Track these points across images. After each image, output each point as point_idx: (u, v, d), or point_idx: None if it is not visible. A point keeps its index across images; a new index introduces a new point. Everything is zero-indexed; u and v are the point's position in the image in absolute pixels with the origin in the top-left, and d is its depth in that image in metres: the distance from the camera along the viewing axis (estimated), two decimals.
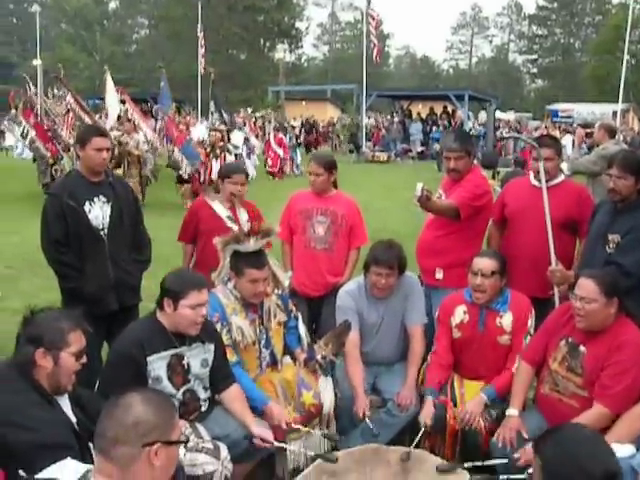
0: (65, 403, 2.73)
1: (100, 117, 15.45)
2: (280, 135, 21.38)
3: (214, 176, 12.96)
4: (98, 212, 4.16)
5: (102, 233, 4.17)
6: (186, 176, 13.36)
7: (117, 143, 13.35)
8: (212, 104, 17.84)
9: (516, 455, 3.19)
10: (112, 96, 14.65)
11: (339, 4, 69.32)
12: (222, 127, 14.83)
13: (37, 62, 36.29)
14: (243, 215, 4.08)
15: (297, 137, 25.56)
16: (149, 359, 3.17)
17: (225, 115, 17.61)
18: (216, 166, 13.17)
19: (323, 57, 71.26)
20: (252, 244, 3.70)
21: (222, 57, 43.39)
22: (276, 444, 3.38)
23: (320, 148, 29.08)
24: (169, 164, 13.89)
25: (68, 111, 13.59)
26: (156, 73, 17.31)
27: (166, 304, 3.20)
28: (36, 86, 15.27)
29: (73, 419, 2.69)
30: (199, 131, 17.11)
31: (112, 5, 61.12)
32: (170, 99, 16.01)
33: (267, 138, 21.77)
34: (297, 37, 58.00)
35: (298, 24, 58.29)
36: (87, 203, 4.13)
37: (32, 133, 13.67)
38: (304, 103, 38.51)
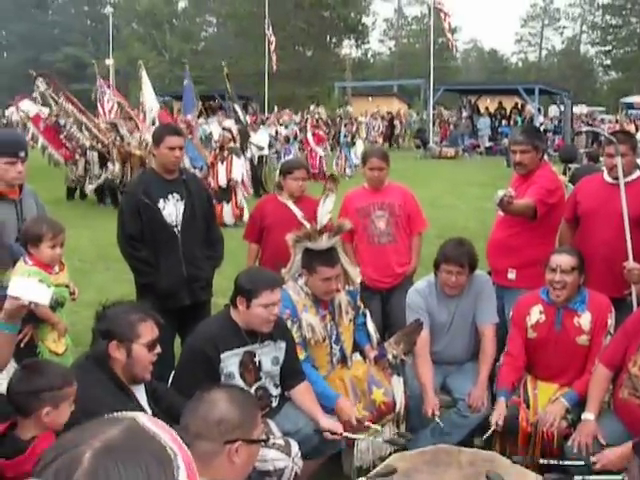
0: (142, 395, 2.81)
1: (97, 117, 14.94)
2: (320, 132, 19.59)
3: (221, 182, 11.85)
4: (172, 209, 4.25)
5: (176, 230, 4.26)
6: None
7: (120, 139, 12.70)
8: (229, 102, 16.02)
9: (593, 459, 3.11)
10: (149, 92, 14.57)
11: None
12: (231, 126, 13.41)
13: (109, 62, 37.40)
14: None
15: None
16: (222, 356, 3.22)
17: (241, 114, 16.05)
18: (222, 170, 12.00)
19: (389, 52, 70.77)
20: (324, 242, 3.70)
21: (288, 54, 43.65)
22: (346, 434, 3.38)
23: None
24: None
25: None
26: (222, 71, 17.10)
27: (239, 302, 3.24)
28: (109, 85, 15.65)
29: (149, 411, 2.76)
30: (260, 136, 15.64)
31: (181, 4, 62.24)
32: (194, 99, 14.80)
33: (305, 137, 19.74)
34: (363, 32, 57.80)
35: (364, 19, 58.13)
36: (161, 200, 4.22)
37: (41, 139, 13.49)
38: (370, 99, 38.37)
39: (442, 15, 28.12)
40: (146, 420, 1.12)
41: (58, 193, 14.17)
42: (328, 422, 3.37)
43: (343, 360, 3.95)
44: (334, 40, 54.29)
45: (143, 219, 4.20)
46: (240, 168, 12.45)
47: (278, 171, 5.47)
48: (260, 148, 15.43)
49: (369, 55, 68.26)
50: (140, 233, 4.21)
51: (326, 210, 3.97)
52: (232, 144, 12.52)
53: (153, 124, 12.44)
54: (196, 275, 4.34)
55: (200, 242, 4.39)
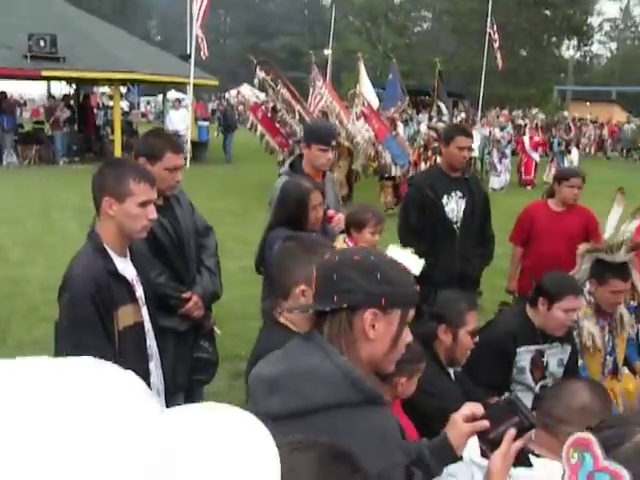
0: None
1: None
2: (537, 138, 18.70)
3: None
4: (454, 206, 4.48)
5: (455, 226, 4.49)
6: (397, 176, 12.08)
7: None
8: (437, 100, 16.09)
9: None
10: (367, 85, 14.48)
11: None
12: (439, 125, 13.20)
13: (328, 52, 38.73)
14: None
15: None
16: (518, 350, 3.40)
17: (446, 112, 15.77)
18: (425, 169, 11.55)
19: (610, 55, 66.69)
20: (622, 255, 3.73)
21: (505, 53, 42.41)
22: None
23: None
24: (375, 168, 12.58)
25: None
26: (436, 67, 17.02)
27: (541, 303, 3.38)
28: (325, 74, 16.08)
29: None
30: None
31: None
32: (400, 93, 14.81)
33: (521, 139, 18.94)
34: (587, 34, 54.86)
35: (589, 20, 54.96)
36: (445, 196, 4.47)
37: (260, 128, 13.50)
38: (588, 104, 36.56)
39: None
40: None
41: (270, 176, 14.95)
42: None
43: (614, 372, 3.97)
44: (553, 40, 51.98)
45: (426, 213, 4.47)
46: None
47: (552, 177, 5.50)
48: (470, 149, 15.06)
49: (587, 58, 64.72)
50: (422, 226, 4.48)
51: (612, 222, 4.00)
52: (436, 144, 12.28)
53: (357, 118, 12.81)
54: (467, 272, 4.53)
55: (475, 240, 4.58)
